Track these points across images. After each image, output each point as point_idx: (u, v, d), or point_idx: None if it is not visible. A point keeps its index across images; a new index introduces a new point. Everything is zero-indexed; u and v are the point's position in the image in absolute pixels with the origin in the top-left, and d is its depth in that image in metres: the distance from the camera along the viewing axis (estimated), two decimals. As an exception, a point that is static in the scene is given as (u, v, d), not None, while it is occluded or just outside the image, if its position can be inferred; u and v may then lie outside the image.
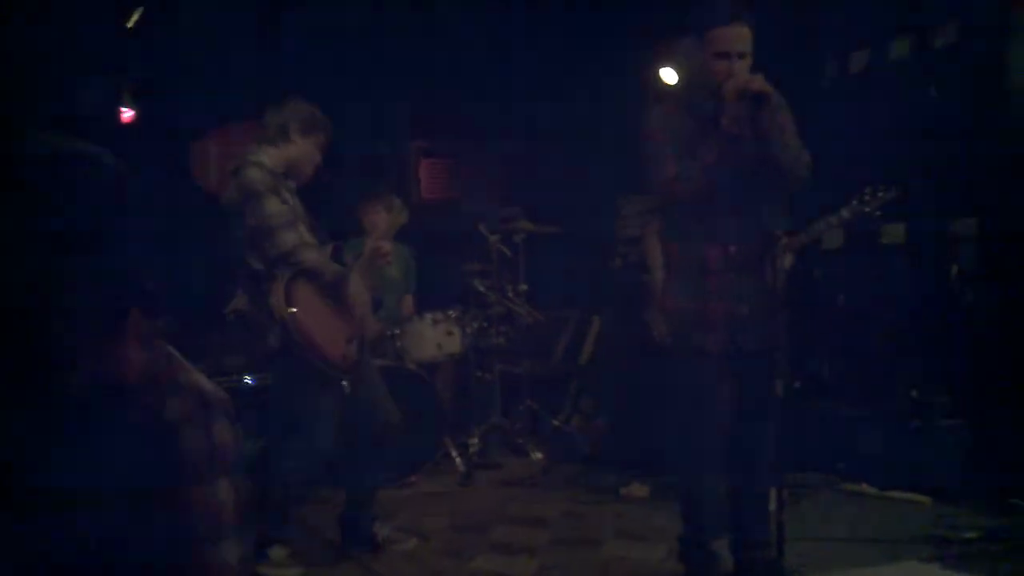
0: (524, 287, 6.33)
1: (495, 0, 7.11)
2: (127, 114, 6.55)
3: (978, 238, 5.02)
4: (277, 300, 3.74)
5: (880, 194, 3.99)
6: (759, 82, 3.04)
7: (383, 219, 6.10)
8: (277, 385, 4.16)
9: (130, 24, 6.32)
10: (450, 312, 5.94)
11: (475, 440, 5.90)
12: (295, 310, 3.75)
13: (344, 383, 3.96)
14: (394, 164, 7.72)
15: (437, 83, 7.48)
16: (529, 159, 7.73)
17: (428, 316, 5.89)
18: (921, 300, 5.28)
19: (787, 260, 4.52)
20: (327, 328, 3.89)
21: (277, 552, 3.86)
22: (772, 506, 3.29)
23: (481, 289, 6.12)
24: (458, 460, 5.71)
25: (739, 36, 3.20)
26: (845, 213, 4.08)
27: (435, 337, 5.84)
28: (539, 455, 5.93)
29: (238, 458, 1.46)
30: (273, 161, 3.91)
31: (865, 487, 4.91)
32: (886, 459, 4.93)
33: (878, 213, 4.20)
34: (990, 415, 4.72)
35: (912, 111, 5.39)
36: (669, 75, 6.42)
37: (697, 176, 3.21)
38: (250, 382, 5.32)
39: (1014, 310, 4.76)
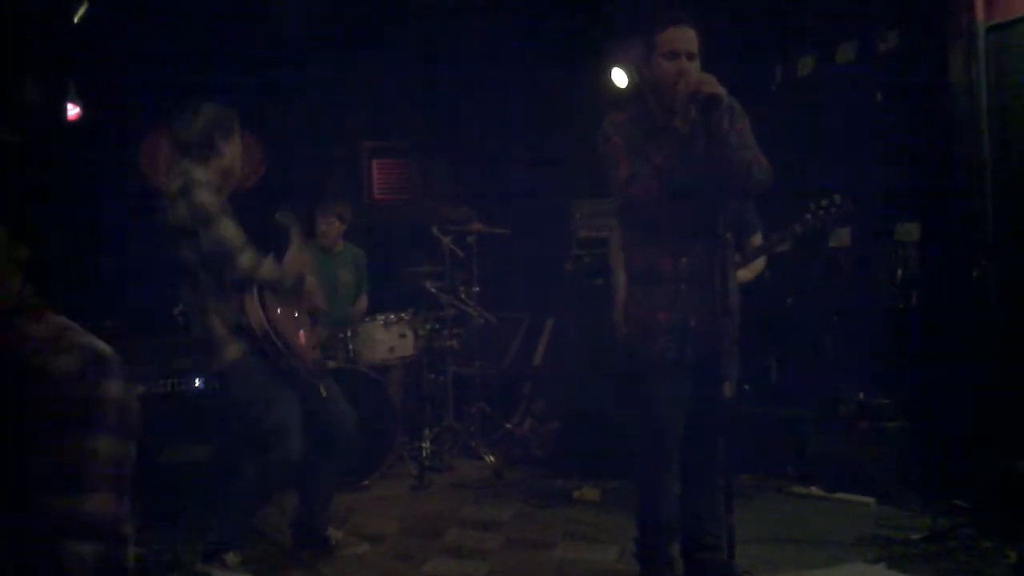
0: (476, 289, 6.33)
1: (448, 4, 7.10)
2: (73, 111, 6.43)
3: (920, 242, 5.11)
4: (256, 315, 3.74)
5: (834, 209, 4.03)
6: (712, 84, 3.05)
7: (336, 228, 6.11)
8: (240, 395, 3.93)
9: (76, 19, 6.20)
10: (402, 314, 5.92)
11: (427, 443, 5.88)
12: (275, 325, 3.77)
13: (321, 388, 3.97)
14: (346, 165, 7.67)
15: (390, 84, 7.45)
16: (482, 160, 7.73)
17: (380, 318, 5.87)
18: (867, 303, 5.36)
19: (757, 268, 4.57)
20: (297, 335, 3.94)
21: (232, 558, 3.83)
22: (721, 508, 3.32)
23: (433, 291, 6.11)
24: (410, 463, 5.69)
25: (686, 37, 3.25)
26: (798, 228, 4.10)
27: (387, 339, 5.83)
28: (492, 458, 5.93)
29: (130, 419, 1.59)
30: (212, 177, 3.83)
31: (813, 489, 4.98)
32: (833, 461, 5.00)
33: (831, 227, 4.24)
34: (934, 417, 4.81)
35: (858, 115, 5.47)
36: (621, 78, 6.45)
37: (649, 177, 3.22)
38: (199, 385, 5.24)
39: (956, 313, 4.86)
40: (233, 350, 3.76)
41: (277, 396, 3.82)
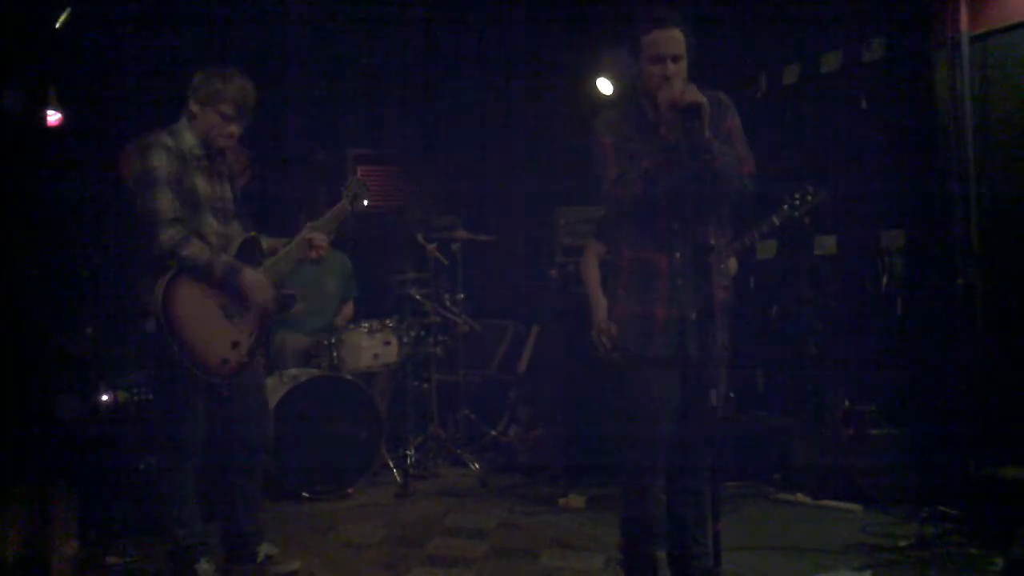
0: (461, 296, 6.31)
1: (435, 9, 7.10)
2: (53, 117, 6.38)
3: (905, 250, 5.13)
4: (156, 300, 3.58)
5: (809, 198, 4.06)
6: (692, 93, 3.04)
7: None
8: (153, 389, 3.97)
9: (58, 25, 6.16)
10: (387, 321, 5.89)
11: (412, 450, 5.85)
12: (175, 312, 3.60)
13: (222, 390, 3.79)
14: (331, 171, 7.63)
15: (376, 91, 7.44)
16: (467, 168, 7.72)
17: (365, 325, 5.84)
18: (853, 310, 5.37)
19: (731, 266, 4.58)
20: (208, 330, 3.70)
21: (204, 566, 3.77)
22: (708, 515, 3.31)
23: (418, 298, 6.09)
24: (395, 471, 5.66)
25: (672, 39, 3.23)
26: (776, 219, 4.13)
27: (372, 346, 5.79)
28: (476, 465, 5.90)
29: None
30: (186, 140, 3.75)
31: (799, 496, 4.98)
32: (819, 468, 5.00)
33: (807, 219, 4.27)
34: (920, 424, 4.82)
35: (843, 124, 5.49)
36: (606, 87, 6.45)
37: (636, 180, 3.22)
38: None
39: (941, 321, 4.87)
40: (151, 323, 3.65)
41: (177, 392, 3.71)
